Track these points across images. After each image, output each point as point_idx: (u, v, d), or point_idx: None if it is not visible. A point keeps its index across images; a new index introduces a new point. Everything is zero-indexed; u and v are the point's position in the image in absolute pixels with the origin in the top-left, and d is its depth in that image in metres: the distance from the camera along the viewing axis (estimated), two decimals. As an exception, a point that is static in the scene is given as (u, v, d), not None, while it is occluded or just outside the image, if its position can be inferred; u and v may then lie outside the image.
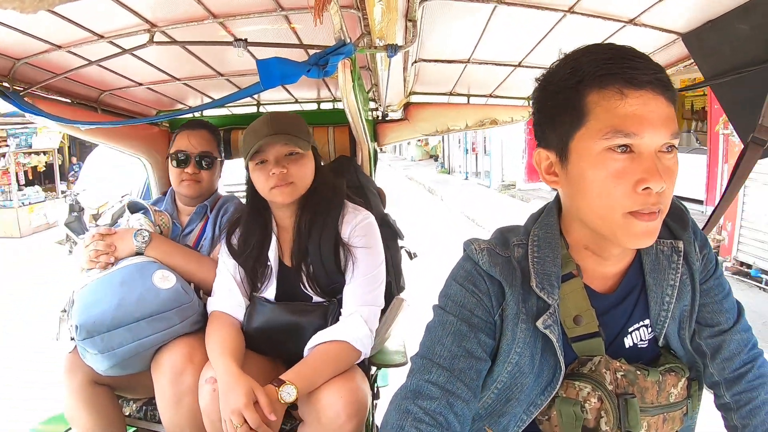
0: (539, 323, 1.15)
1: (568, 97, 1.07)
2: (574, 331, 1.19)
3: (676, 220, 1.27)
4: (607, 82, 1.03)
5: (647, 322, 1.24)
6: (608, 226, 1.07)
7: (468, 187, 19.80)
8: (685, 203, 1.33)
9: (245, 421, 1.64)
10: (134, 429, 2.35)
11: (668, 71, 2.04)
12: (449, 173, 25.40)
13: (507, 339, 1.18)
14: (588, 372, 1.17)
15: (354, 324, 1.90)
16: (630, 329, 1.23)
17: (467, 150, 22.86)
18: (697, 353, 1.31)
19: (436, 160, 29.83)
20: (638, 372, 1.17)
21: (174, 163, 2.40)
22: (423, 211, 14.66)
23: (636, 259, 1.24)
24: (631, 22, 1.73)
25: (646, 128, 1.00)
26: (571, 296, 1.19)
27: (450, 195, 17.22)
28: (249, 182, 2.07)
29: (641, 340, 1.24)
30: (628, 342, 1.23)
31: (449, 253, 3.69)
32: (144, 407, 2.25)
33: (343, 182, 2.24)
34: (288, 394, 1.71)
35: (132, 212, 2.34)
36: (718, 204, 1.89)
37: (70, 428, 2.16)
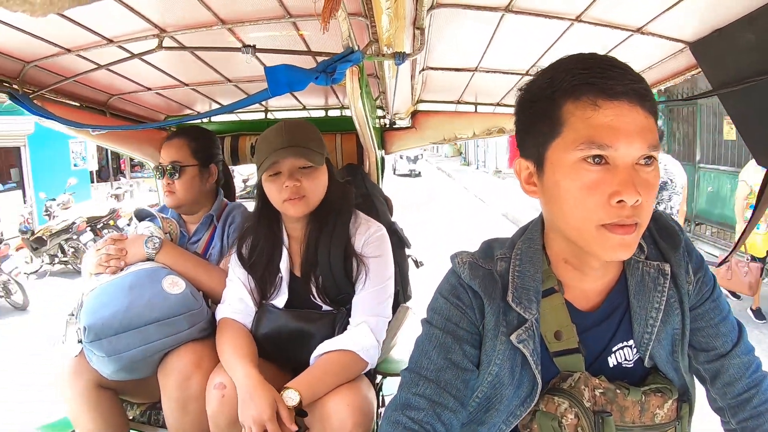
0: (513, 337, 1.15)
1: (544, 107, 1.07)
2: (555, 345, 1.18)
3: (667, 241, 1.26)
4: (582, 92, 1.01)
5: (631, 342, 1.21)
6: (583, 238, 1.06)
7: (474, 173, 28.72)
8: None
9: (265, 431, 1.65)
10: None
11: (676, 80, 2.05)
12: (468, 165, 34.01)
13: (487, 351, 1.18)
14: (567, 388, 1.16)
15: (361, 334, 1.89)
16: (614, 348, 1.21)
17: (477, 146, 31.89)
18: (698, 378, 1.30)
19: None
20: (618, 390, 1.15)
21: (157, 176, 2.42)
22: (441, 185, 24.67)
23: (621, 279, 1.23)
24: (639, 31, 1.72)
25: (621, 140, 0.98)
26: (552, 312, 1.18)
27: (460, 177, 26.83)
28: (260, 190, 2.05)
29: (626, 360, 1.22)
30: (612, 361, 1.21)
31: (449, 201, 17.30)
32: (147, 411, 2.25)
33: (353, 192, 2.22)
34: (290, 398, 1.71)
35: (139, 220, 2.35)
36: (746, 228, 1.88)
37: (73, 431, 2.16)
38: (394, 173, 27.13)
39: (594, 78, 1.00)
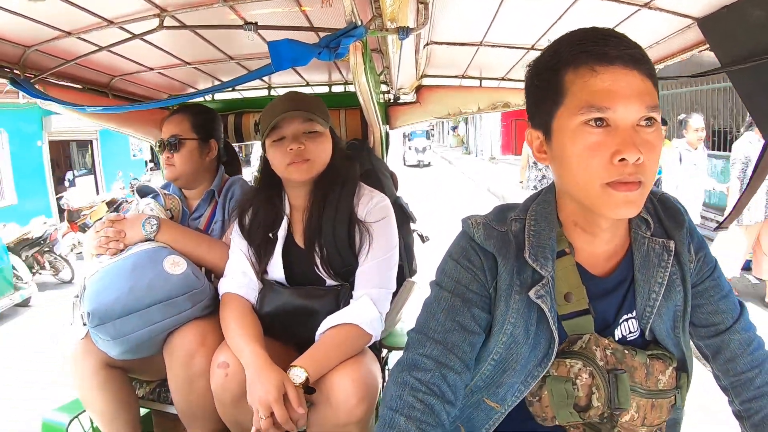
0: (531, 293, 1.18)
1: (548, 79, 1.13)
2: (565, 308, 1.22)
3: (671, 220, 1.30)
4: (580, 60, 1.07)
5: (634, 314, 1.26)
6: (589, 197, 1.10)
7: (473, 160, 30.32)
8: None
9: (272, 413, 1.66)
10: (148, 410, 2.38)
11: (683, 56, 2.02)
12: (469, 154, 35.64)
13: (500, 310, 1.21)
14: (578, 349, 1.20)
15: (363, 307, 1.89)
16: (620, 320, 1.25)
17: (476, 137, 33.73)
18: (702, 356, 1.34)
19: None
20: (626, 351, 1.20)
21: (159, 151, 2.44)
22: (442, 170, 27.53)
23: (629, 252, 1.27)
24: (646, 5, 1.69)
25: (618, 102, 1.03)
26: (563, 273, 1.22)
27: (459, 164, 28.58)
28: (263, 160, 2.07)
29: (630, 332, 1.26)
30: (618, 333, 1.25)
31: (448, 183, 20.64)
32: (157, 389, 2.28)
33: (357, 164, 2.23)
34: (297, 376, 1.72)
35: (141, 197, 2.35)
36: (739, 198, 1.88)
37: (84, 411, 2.18)
38: (405, 164, 28.32)
39: (591, 46, 1.06)
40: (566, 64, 1.08)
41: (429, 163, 28.99)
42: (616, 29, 1.09)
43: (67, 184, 14.81)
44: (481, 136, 32.06)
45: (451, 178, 23.28)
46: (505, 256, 1.21)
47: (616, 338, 1.24)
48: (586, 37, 1.08)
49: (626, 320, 1.25)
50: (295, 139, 1.95)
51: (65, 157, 18.13)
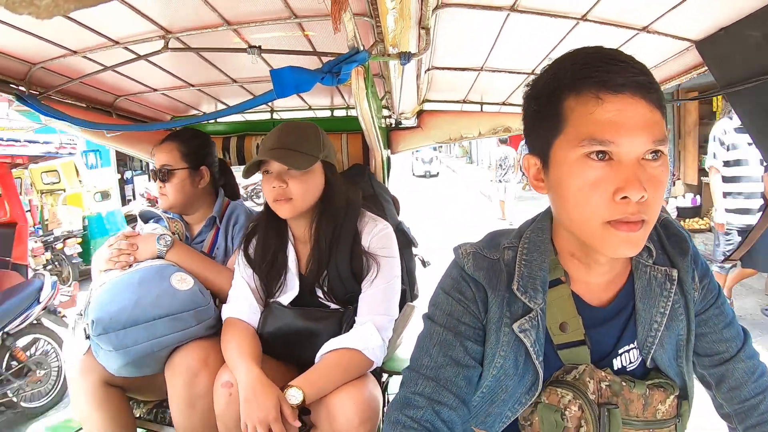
0: (515, 326, 1.15)
1: (547, 103, 1.06)
2: (560, 338, 1.18)
3: (676, 247, 1.25)
4: (583, 86, 0.99)
5: (635, 345, 1.21)
6: (588, 234, 1.04)
7: (474, 169, 31.77)
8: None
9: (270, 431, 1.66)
10: (144, 430, 2.36)
11: (682, 79, 2.04)
12: (472, 163, 36.77)
13: (491, 343, 1.18)
14: (571, 379, 1.15)
15: (367, 333, 1.89)
16: (620, 351, 1.21)
17: (477, 146, 35.22)
18: (703, 383, 1.30)
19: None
20: (624, 383, 1.15)
21: (153, 180, 2.44)
22: (445, 176, 29.71)
23: (629, 280, 1.22)
24: (645, 29, 1.71)
25: (623, 135, 0.96)
26: (558, 302, 1.18)
27: (462, 172, 30.90)
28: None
29: (630, 362, 1.21)
30: (617, 363, 1.21)
31: (448, 186, 24.07)
32: (154, 409, 2.27)
33: (359, 192, 2.23)
34: (293, 396, 1.71)
35: (144, 221, 2.37)
36: (752, 229, 1.87)
37: (80, 429, 2.17)
38: (413, 174, 29.47)
39: (595, 71, 0.98)
40: (567, 88, 1.01)
41: (437, 173, 29.88)
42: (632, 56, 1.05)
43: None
44: (481, 147, 32.67)
45: (452, 184, 25.72)
46: (495, 288, 1.18)
47: (615, 368, 1.20)
48: (589, 60, 1.01)
49: (626, 351, 1.21)
50: (278, 177, 1.95)
51: (126, 157, 19.12)
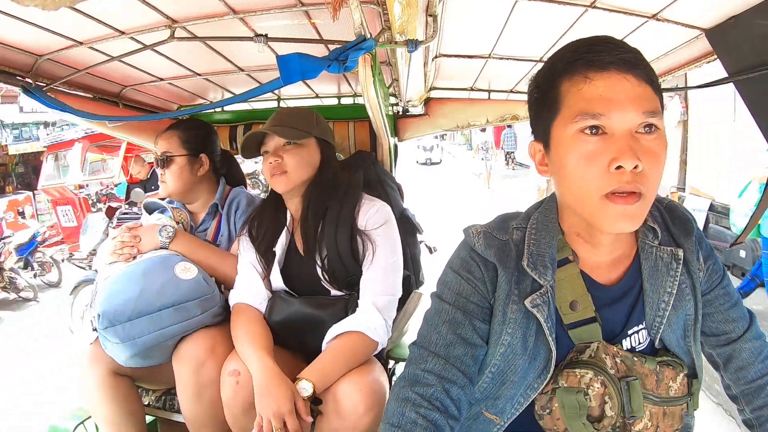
0: (527, 302, 1.17)
1: (545, 90, 1.13)
2: (570, 317, 1.19)
3: (680, 228, 1.28)
4: (574, 69, 1.06)
5: (643, 325, 1.23)
6: (587, 209, 1.08)
7: (473, 154, 31.88)
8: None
9: (284, 424, 1.67)
10: (153, 418, 2.38)
11: (691, 67, 2.02)
12: (472, 149, 36.80)
13: (498, 320, 1.20)
14: (588, 358, 1.17)
15: (368, 314, 1.90)
16: (629, 331, 1.23)
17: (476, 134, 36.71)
18: (711, 364, 1.33)
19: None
20: (635, 358, 1.18)
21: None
22: (446, 161, 30.96)
23: (636, 261, 1.24)
24: (654, 17, 1.70)
25: (613, 108, 1.01)
26: (567, 281, 1.20)
27: (460, 156, 33.56)
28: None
29: (639, 343, 1.24)
30: (626, 344, 1.23)
31: (450, 169, 27.25)
32: (163, 397, 2.29)
33: (360, 176, 2.25)
34: (304, 389, 1.72)
35: (149, 212, 2.37)
36: (753, 215, 1.87)
37: (89, 417, 2.19)
38: (416, 162, 29.78)
39: (584, 54, 1.05)
40: (561, 74, 1.08)
41: (440, 161, 30.54)
42: (624, 41, 1.08)
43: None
44: (480, 135, 34.63)
45: (451, 166, 28.26)
46: (505, 266, 1.20)
47: (625, 348, 1.21)
48: (580, 46, 1.07)
49: (636, 332, 1.23)
50: (275, 152, 2.03)
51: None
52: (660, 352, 1.23)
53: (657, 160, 1.03)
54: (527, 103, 1.23)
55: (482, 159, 17.95)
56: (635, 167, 1.00)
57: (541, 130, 1.16)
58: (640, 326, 1.23)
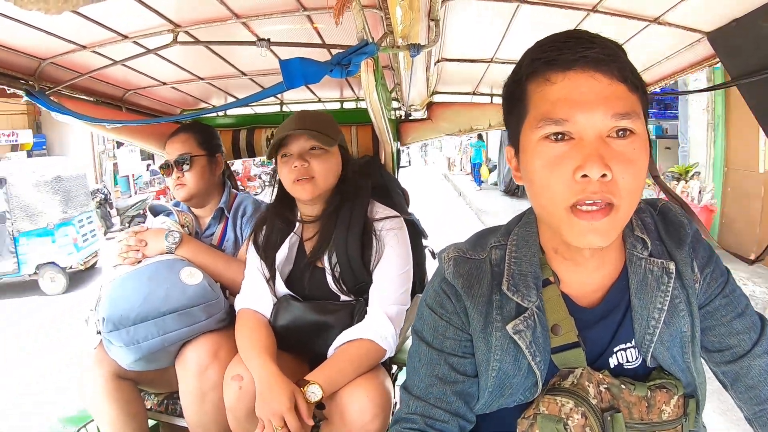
0: (509, 327, 1.11)
1: (513, 92, 1.05)
2: (554, 341, 1.12)
3: (673, 236, 1.17)
4: (537, 70, 0.98)
5: (632, 343, 1.14)
6: (555, 222, 1.00)
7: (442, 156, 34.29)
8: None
9: (285, 424, 1.66)
10: (155, 422, 2.38)
11: (694, 70, 2.01)
12: (441, 150, 38.43)
13: (482, 351, 1.16)
14: (569, 386, 1.09)
15: (379, 322, 1.89)
16: (615, 349, 1.14)
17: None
18: (721, 384, 1.20)
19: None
20: (623, 386, 1.09)
21: (164, 173, 2.43)
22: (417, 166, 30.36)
23: (623, 275, 1.15)
24: (656, 21, 1.70)
25: (578, 112, 0.92)
26: (549, 304, 1.13)
27: (433, 156, 30.39)
28: (278, 177, 2.09)
29: (628, 360, 1.14)
30: (613, 361, 1.14)
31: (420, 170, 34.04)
32: (165, 401, 2.29)
33: (369, 182, 2.23)
34: (313, 393, 1.72)
35: (154, 215, 2.37)
36: None
37: (92, 420, 2.19)
38: None
39: (545, 52, 0.97)
40: (526, 74, 1.00)
41: (409, 163, 32.21)
42: (626, 45, 1.01)
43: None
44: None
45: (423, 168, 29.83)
46: (474, 294, 1.15)
47: (612, 366, 1.13)
48: (546, 43, 0.99)
49: (623, 350, 1.14)
50: (300, 156, 1.96)
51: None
52: (654, 372, 1.14)
53: (632, 166, 0.94)
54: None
55: (440, 149, 21.75)
56: (603, 176, 0.91)
57: (513, 135, 1.08)
58: (628, 344, 1.13)
